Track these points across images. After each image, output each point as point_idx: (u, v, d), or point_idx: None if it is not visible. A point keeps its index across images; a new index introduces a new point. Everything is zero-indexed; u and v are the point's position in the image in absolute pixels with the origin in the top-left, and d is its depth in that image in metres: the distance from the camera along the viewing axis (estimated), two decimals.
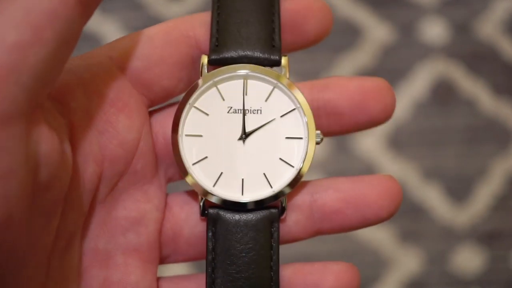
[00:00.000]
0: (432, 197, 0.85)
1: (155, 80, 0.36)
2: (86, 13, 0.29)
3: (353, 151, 0.87)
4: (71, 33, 0.28)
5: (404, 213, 0.84)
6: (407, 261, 0.83)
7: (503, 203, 0.85)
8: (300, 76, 0.84)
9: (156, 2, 0.93)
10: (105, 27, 0.91)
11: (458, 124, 0.88)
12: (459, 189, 0.86)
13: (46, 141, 0.29)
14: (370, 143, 0.87)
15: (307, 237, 0.39)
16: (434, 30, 0.92)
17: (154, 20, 0.91)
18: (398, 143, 0.88)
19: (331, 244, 0.83)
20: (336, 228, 0.38)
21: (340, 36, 0.91)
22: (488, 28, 0.92)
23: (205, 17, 0.38)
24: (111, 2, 0.92)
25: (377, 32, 0.92)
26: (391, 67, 0.90)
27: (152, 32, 0.37)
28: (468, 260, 0.83)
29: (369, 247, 0.84)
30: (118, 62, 0.36)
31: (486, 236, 0.84)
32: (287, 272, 0.37)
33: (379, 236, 0.84)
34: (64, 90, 0.34)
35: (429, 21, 0.92)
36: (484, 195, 0.85)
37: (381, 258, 0.84)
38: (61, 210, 0.32)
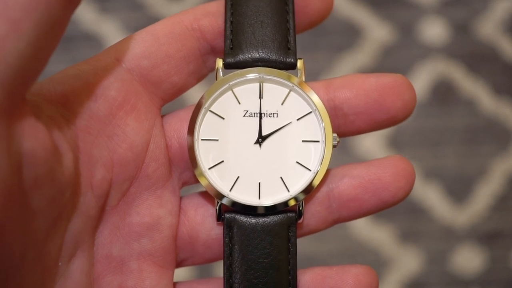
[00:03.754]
0: (432, 197, 0.85)
1: (163, 77, 0.36)
2: (70, 3, 0.28)
3: (353, 151, 0.87)
4: (53, 24, 0.27)
5: (404, 213, 0.84)
6: (407, 261, 0.83)
7: (503, 203, 0.85)
8: None
9: (156, 2, 0.93)
10: (105, 27, 0.91)
11: (458, 124, 0.88)
12: (459, 189, 0.86)
13: (30, 137, 0.28)
14: (370, 143, 0.87)
15: (326, 227, 0.38)
16: (434, 30, 0.92)
17: (154, 20, 0.90)
18: (398, 143, 0.88)
19: (331, 244, 0.83)
20: (354, 215, 0.38)
21: (340, 36, 0.91)
22: (488, 28, 0.92)
23: (208, 8, 0.38)
24: (111, 2, 0.92)
25: (377, 32, 0.92)
26: (391, 67, 0.90)
27: (156, 29, 0.36)
28: (468, 260, 0.83)
29: (369, 247, 0.84)
30: (125, 63, 0.35)
31: (486, 236, 0.84)
32: (305, 277, 0.37)
33: (379, 236, 0.84)
34: (69, 94, 0.33)
35: (429, 21, 0.92)
36: (484, 195, 0.85)
37: (381, 258, 0.84)
38: (67, 214, 0.32)
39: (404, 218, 0.84)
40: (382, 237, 0.84)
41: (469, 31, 0.91)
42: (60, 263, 0.32)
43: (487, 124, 0.88)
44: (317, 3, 0.38)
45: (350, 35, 0.91)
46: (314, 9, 0.38)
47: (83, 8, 0.91)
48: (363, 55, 0.91)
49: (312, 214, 0.37)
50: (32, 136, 0.28)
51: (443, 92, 0.89)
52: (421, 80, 0.89)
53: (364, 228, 0.84)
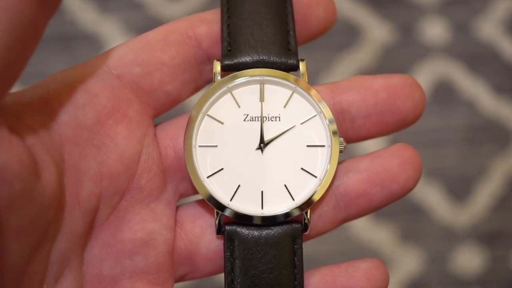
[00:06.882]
0: (432, 197, 0.85)
1: (157, 85, 0.34)
2: (46, 8, 0.26)
3: (353, 151, 0.87)
4: (27, 30, 0.25)
5: (404, 213, 0.84)
6: (407, 261, 0.83)
7: (503, 203, 0.85)
8: None
9: (156, 2, 0.93)
10: (105, 27, 0.91)
11: (458, 124, 0.88)
12: (459, 189, 0.86)
13: (3, 151, 0.26)
14: (370, 143, 0.87)
15: (333, 228, 0.36)
16: (434, 30, 0.91)
17: (154, 20, 0.91)
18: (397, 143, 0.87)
19: (331, 244, 0.83)
20: (363, 211, 0.36)
21: (340, 36, 0.91)
22: (488, 28, 0.91)
23: (204, 16, 0.36)
24: (111, 2, 0.92)
25: (377, 32, 0.92)
26: (391, 67, 0.90)
27: (149, 36, 0.35)
28: (468, 260, 0.83)
29: (369, 247, 0.84)
30: (115, 70, 0.33)
31: (486, 236, 0.84)
32: (313, 280, 0.35)
33: (379, 236, 0.84)
34: (53, 102, 0.31)
35: (429, 21, 0.92)
36: (484, 195, 0.85)
37: (381, 258, 0.83)
38: (52, 233, 0.30)
39: (404, 218, 0.84)
40: (382, 237, 0.84)
41: (469, 31, 0.91)
42: (45, 286, 0.30)
43: (487, 124, 0.88)
44: (320, 11, 0.36)
45: (350, 35, 0.91)
46: (316, 18, 0.36)
47: (83, 8, 0.91)
48: (363, 55, 0.90)
49: (319, 215, 0.35)
50: (5, 150, 0.26)
51: (443, 92, 0.89)
52: (421, 80, 0.89)
53: (364, 229, 0.84)
